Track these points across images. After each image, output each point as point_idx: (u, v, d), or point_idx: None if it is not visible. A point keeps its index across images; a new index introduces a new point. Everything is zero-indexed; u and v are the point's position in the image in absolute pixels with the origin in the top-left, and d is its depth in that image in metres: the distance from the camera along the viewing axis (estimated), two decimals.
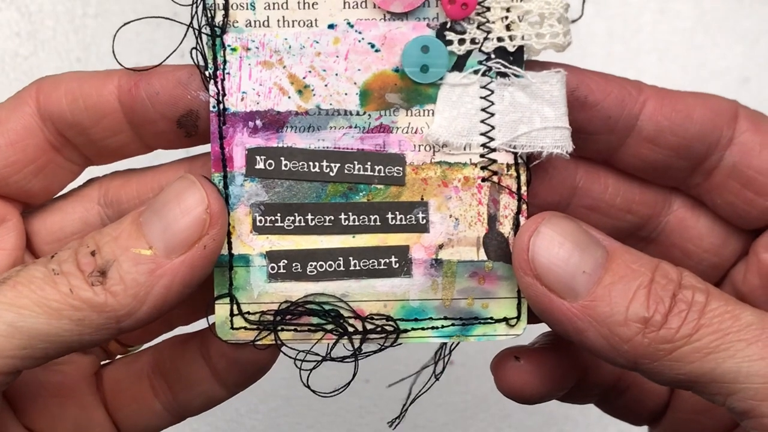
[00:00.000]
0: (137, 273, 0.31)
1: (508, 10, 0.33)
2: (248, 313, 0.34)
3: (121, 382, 0.39)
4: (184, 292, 0.32)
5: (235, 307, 0.34)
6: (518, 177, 0.34)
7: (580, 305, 0.32)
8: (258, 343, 0.34)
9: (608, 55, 0.65)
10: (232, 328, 0.34)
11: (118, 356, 0.40)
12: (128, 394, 0.38)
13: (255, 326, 0.34)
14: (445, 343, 0.36)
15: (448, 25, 0.33)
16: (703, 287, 0.32)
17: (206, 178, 0.33)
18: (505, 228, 0.34)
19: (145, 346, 0.40)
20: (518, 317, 0.35)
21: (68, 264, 0.31)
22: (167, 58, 0.34)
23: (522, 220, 0.34)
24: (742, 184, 0.36)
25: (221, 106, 0.33)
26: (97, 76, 0.34)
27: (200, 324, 0.39)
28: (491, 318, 0.35)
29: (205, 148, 0.35)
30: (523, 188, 0.34)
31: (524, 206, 0.34)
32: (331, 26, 0.33)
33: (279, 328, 0.34)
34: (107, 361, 0.40)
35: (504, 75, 0.33)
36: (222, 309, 0.34)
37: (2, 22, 0.64)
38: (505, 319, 0.35)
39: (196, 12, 0.33)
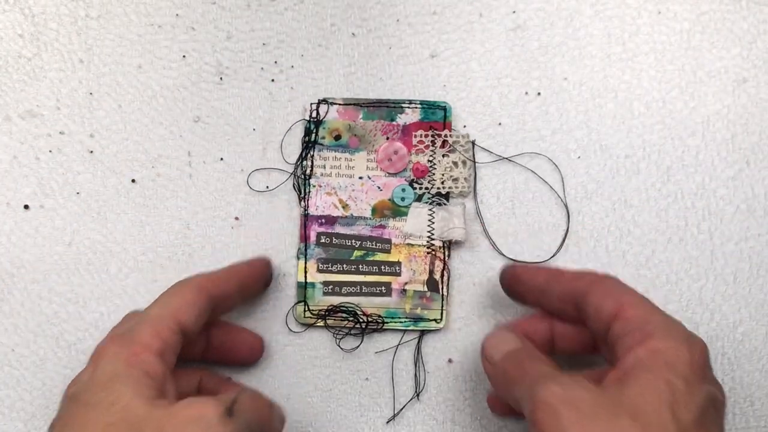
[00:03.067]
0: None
1: (443, 174, 0.67)
2: (312, 310, 0.66)
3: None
4: None
5: (306, 307, 0.66)
6: (444, 253, 0.67)
7: (494, 367, 0.56)
8: (316, 324, 0.66)
9: (607, 57, 0.67)
10: (304, 317, 0.66)
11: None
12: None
13: (315, 317, 0.66)
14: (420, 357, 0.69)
15: (414, 179, 0.67)
16: (531, 358, 0.54)
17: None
18: (437, 276, 0.66)
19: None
20: (441, 319, 0.66)
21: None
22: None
23: (445, 274, 0.67)
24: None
25: (306, 212, 0.66)
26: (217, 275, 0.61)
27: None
28: (428, 318, 0.66)
29: None
30: (447, 259, 0.67)
31: (446, 267, 0.67)
32: (360, 177, 0.66)
33: (326, 318, 0.66)
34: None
35: (439, 204, 0.67)
36: (300, 308, 0.66)
37: (6, 23, 0.67)
38: (435, 320, 0.66)
39: (297, 168, 0.67)
